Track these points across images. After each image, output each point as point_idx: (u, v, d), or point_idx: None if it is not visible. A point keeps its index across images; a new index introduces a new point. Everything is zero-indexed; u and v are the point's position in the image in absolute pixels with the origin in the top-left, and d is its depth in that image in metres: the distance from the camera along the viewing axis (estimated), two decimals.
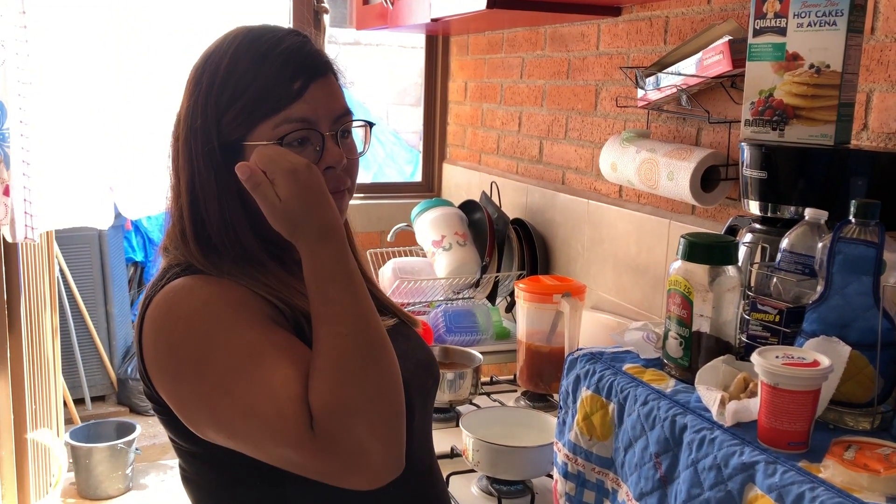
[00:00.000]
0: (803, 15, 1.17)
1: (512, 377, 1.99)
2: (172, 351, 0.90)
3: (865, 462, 0.83)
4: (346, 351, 0.84)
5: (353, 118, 1.02)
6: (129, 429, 3.26)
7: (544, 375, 1.81)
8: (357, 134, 1.06)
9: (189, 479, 1.02)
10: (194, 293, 0.92)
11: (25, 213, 2.55)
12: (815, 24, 1.16)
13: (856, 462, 0.83)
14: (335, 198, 0.98)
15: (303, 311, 0.94)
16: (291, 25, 2.72)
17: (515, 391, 1.92)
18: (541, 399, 1.83)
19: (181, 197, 0.98)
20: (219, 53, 0.97)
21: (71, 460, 3.19)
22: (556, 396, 1.80)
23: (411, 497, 1.04)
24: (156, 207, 3.02)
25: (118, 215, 3.08)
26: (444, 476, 1.48)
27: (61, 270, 3.60)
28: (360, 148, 1.05)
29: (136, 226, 4.17)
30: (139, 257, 4.26)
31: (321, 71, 0.98)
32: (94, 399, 3.85)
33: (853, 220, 0.96)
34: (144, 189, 2.88)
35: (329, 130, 0.98)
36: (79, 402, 3.72)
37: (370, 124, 1.07)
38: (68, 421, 3.45)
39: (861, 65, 1.24)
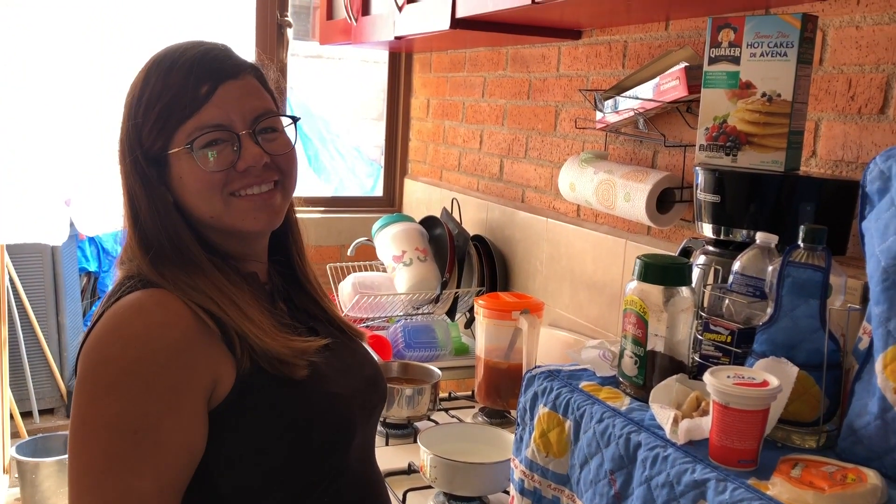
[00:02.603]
0: (756, 45, 1.21)
1: (470, 393, 2.00)
2: (95, 364, 0.91)
3: (811, 480, 0.86)
4: None
5: (278, 115, 1.04)
6: None
7: (502, 391, 1.82)
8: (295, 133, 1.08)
9: None
10: (142, 314, 0.93)
11: None
12: (767, 55, 1.20)
13: (802, 480, 0.86)
14: (263, 197, 1.02)
15: (235, 327, 0.95)
16: (255, 38, 2.73)
17: (473, 407, 1.93)
18: (498, 415, 1.85)
19: (125, 209, 1.02)
20: (136, 79, 1.02)
21: (16, 475, 3.11)
22: (513, 413, 1.81)
23: None
24: (112, 224, 2.95)
25: (72, 225, 3.01)
26: (402, 492, 1.49)
27: (11, 280, 3.52)
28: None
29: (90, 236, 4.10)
30: (93, 267, 4.18)
31: (230, 73, 1.00)
32: (42, 412, 3.76)
33: (801, 245, 0.99)
34: (101, 205, 2.81)
35: (246, 129, 1.00)
36: (26, 415, 3.63)
37: (295, 119, 1.08)
38: (15, 435, 3.36)
39: (810, 94, 1.29)
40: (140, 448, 0.88)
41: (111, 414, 0.88)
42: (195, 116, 0.97)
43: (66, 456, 3.12)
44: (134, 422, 0.88)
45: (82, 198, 2.79)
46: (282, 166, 1.04)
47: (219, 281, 0.98)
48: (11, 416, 3.34)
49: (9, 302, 3.45)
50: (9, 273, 3.43)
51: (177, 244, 0.99)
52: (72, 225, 3.27)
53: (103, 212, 2.83)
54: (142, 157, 0.99)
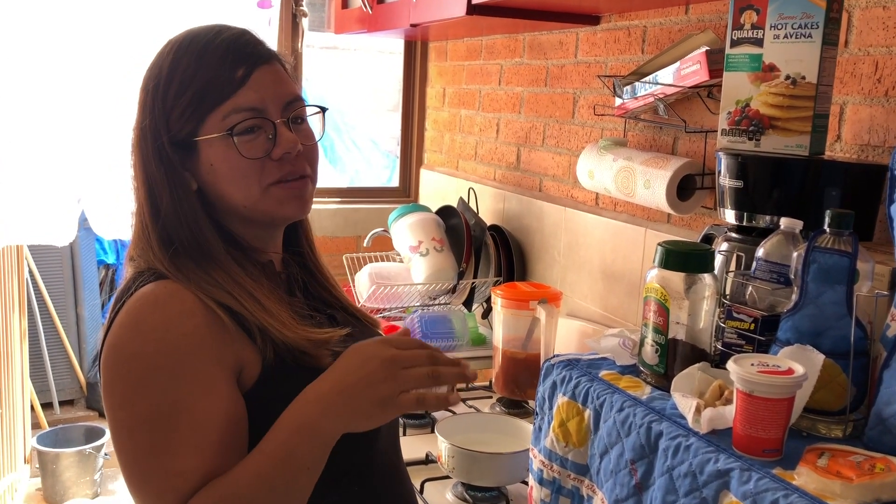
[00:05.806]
0: (780, 27, 1.18)
1: (488, 383, 1.99)
2: (119, 363, 0.91)
3: (838, 469, 0.84)
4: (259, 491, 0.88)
5: (306, 104, 1.03)
6: (98, 433, 3.22)
7: (520, 382, 1.81)
8: (314, 122, 1.07)
9: None
10: (158, 307, 0.92)
11: None
12: (791, 36, 1.17)
13: (829, 469, 0.84)
14: (298, 185, 1.01)
15: (254, 321, 0.95)
16: (277, 30, 2.70)
17: (491, 397, 1.91)
18: (516, 405, 1.83)
19: (140, 201, 0.99)
20: (161, 58, 0.99)
21: (37, 465, 3.13)
22: (531, 403, 1.80)
23: (377, 497, 1.04)
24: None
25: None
26: (419, 482, 1.48)
27: (31, 273, 3.54)
28: (317, 135, 1.06)
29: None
30: (111, 260, 4.20)
31: (264, 58, 0.99)
32: (62, 403, 3.79)
33: (827, 230, 0.97)
34: (121, 209, 2.76)
35: (280, 117, 0.98)
36: (47, 406, 3.66)
37: (323, 109, 1.07)
38: (36, 425, 3.39)
39: (835, 77, 1.26)
40: (178, 432, 0.88)
41: (145, 410, 0.89)
42: (231, 100, 0.95)
43: (85, 446, 3.13)
44: (167, 410, 0.88)
45: (99, 201, 2.75)
46: (311, 157, 1.03)
47: (236, 274, 0.97)
48: (32, 408, 3.38)
49: (28, 295, 3.48)
50: (28, 266, 3.45)
51: (196, 234, 0.97)
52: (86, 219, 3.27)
53: (122, 215, 2.80)
54: (168, 142, 0.96)
